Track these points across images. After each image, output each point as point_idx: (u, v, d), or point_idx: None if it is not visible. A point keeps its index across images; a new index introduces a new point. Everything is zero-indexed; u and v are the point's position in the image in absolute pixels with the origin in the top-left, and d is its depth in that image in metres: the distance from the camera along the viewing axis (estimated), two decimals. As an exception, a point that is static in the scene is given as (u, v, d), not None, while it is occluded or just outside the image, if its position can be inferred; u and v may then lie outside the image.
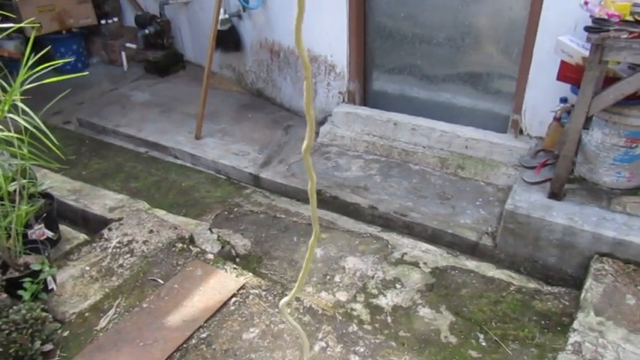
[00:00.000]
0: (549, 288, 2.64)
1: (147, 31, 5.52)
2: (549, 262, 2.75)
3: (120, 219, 2.89)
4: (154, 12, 5.66)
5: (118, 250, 2.63)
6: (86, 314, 2.22)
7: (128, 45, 5.86)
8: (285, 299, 1.55)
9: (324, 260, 2.91)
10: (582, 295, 2.35)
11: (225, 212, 3.43)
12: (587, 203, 2.74)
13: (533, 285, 2.67)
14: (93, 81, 5.66)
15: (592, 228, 2.56)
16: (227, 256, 2.80)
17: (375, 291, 2.64)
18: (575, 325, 2.17)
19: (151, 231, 2.77)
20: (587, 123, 2.76)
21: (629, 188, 2.81)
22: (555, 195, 2.78)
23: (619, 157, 2.72)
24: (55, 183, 3.24)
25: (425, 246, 3.01)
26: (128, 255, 2.59)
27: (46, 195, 2.73)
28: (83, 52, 6.06)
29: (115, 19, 6.13)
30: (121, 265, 2.52)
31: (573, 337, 2.10)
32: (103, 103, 5.15)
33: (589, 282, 2.41)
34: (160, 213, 3.01)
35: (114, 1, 6.14)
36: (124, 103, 5.14)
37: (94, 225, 2.98)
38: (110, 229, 2.79)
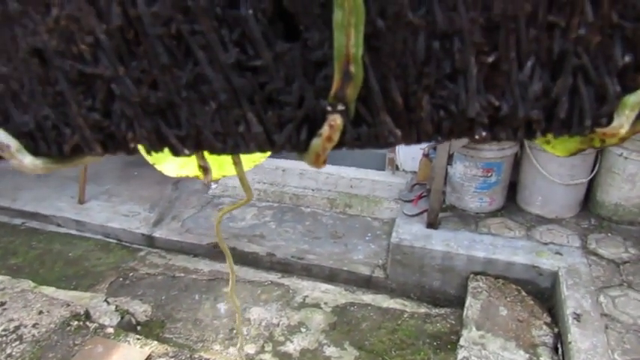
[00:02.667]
0: (437, 310, 2.92)
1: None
2: (435, 286, 3.04)
3: (2, 303, 2.69)
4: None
5: (4, 338, 2.45)
6: (-26, 417, 2.04)
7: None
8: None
9: (228, 315, 2.94)
10: (464, 312, 2.64)
11: (121, 279, 3.32)
12: (459, 229, 3.10)
13: (423, 310, 2.93)
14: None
15: (465, 250, 2.90)
16: (128, 326, 2.72)
17: (281, 338, 2.73)
18: (462, 341, 2.44)
19: (40, 312, 2.61)
20: (450, 159, 3.15)
21: (492, 211, 3.23)
22: (432, 224, 3.11)
23: (479, 186, 3.12)
24: None
25: (324, 286, 3.17)
26: (17, 342, 2.42)
27: None
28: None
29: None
30: (10, 355, 2.35)
31: (461, 354, 2.36)
32: (-34, 174, 4.73)
33: (469, 300, 2.72)
34: (49, 290, 2.85)
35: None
36: (-7, 171, 4.76)
37: (-29, 314, 2.73)
38: (-8, 317, 2.59)
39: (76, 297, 2.82)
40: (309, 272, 3.30)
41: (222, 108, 0.45)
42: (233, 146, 0.46)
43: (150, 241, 3.70)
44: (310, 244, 3.45)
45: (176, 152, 0.46)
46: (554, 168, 3.06)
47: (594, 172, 3.17)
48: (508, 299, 2.70)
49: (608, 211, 3.22)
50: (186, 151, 0.46)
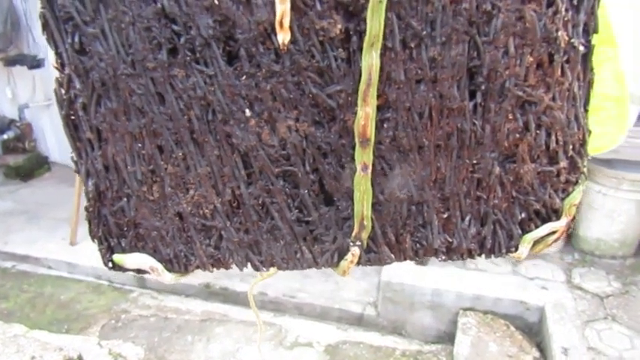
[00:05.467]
0: (428, 347, 2.96)
1: (6, 137, 5.27)
2: (425, 323, 3.09)
3: (-6, 349, 2.68)
4: (11, 116, 5.44)
5: (-4, 385, 2.44)
6: None
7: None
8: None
9: (221, 356, 2.95)
10: (455, 349, 2.69)
11: (113, 321, 3.32)
12: (447, 265, 3.17)
13: (415, 347, 2.97)
14: (-58, 193, 5.18)
15: (454, 287, 2.97)
16: (120, 369, 2.72)
17: (275, 378, 2.74)
18: (453, 378, 2.48)
19: (33, 357, 2.61)
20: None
21: (478, 247, 3.31)
22: (421, 262, 3.18)
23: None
24: None
25: (316, 324, 3.20)
26: (9, 389, 2.41)
27: None
28: None
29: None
30: (2, 402, 2.34)
31: (453, 390, 2.40)
32: (-44, 217, 4.72)
33: (458, 336, 2.77)
34: (41, 334, 2.85)
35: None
36: (-17, 214, 4.76)
37: (-38, 361, 2.71)
38: (-16, 363, 2.58)
39: (69, 341, 2.82)
40: (301, 310, 3.33)
41: (288, 244, 0.74)
42: (292, 266, 0.76)
43: (141, 281, 3.71)
44: (301, 282, 3.49)
45: (256, 269, 0.78)
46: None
47: (575, 207, 3.28)
48: (497, 334, 2.75)
49: (590, 245, 3.32)
50: (263, 269, 0.77)
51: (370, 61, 0.61)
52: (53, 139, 5.62)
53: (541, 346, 2.75)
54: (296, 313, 3.33)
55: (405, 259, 0.76)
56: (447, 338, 3.01)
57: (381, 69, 0.63)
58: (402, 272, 3.11)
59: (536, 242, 0.75)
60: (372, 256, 0.75)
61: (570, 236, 3.44)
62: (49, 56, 4.94)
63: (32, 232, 4.37)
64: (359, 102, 0.64)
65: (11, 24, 4.86)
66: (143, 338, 3.13)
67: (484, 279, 3.01)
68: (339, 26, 0.61)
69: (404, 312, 3.11)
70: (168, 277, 0.79)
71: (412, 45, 0.62)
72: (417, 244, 0.75)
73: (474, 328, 2.81)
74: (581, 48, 0.65)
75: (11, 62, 5.04)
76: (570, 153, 0.71)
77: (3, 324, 2.94)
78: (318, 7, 0.60)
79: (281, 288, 3.43)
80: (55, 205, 4.82)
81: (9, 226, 4.51)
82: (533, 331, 2.87)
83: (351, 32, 0.62)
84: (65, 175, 5.17)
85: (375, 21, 0.59)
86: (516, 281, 3.03)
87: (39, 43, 4.96)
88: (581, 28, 0.64)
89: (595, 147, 0.76)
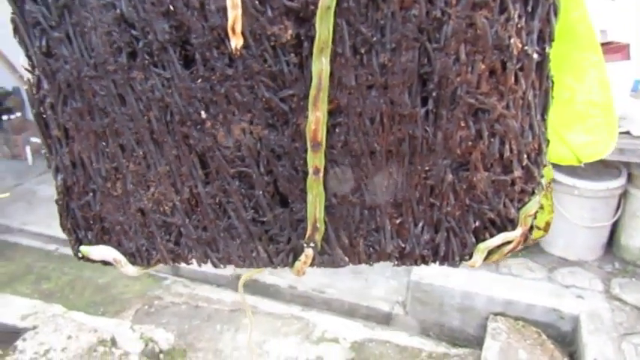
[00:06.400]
0: (455, 350, 2.91)
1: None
2: (454, 325, 3.04)
3: (35, 327, 2.81)
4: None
5: (35, 361, 2.56)
6: None
7: (33, 140, 5.75)
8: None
9: (247, 346, 2.99)
10: (483, 354, 2.64)
11: (146, 306, 3.42)
12: (479, 268, 3.10)
13: (442, 349, 2.93)
14: (-6, 177, 5.46)
15: (485, 290, 2.90)
16: (151, 354, 2.80)
17: (299, 372, 2.76)
18: (479, 383, 2.44)
19: (69, 337, 2.72)
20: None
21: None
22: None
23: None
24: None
25: (343, 321, 3.20)
26: (46, 366, 2.52)
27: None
28: (-18, 147, 5.85)
29: (18, 114, 6.02)
30: (39, 378, 2.45)
31: (478, 396, 2.35)
32: (6, 201, 4.96)
33: (487, 341, 2.71)
34: (78, 316, 2.96)
35: (16, 97, 6.06)
36: (30, 199, 4.99)
37: (5, 337, 2.85)
38: (24, 340, 2.70)
39: (104, 323, 2.92)
40: (329, 306, 3.33)
41: (244, 243, 0.76)
42: (249, 264, 0.78)
43: (175, 269, 3.80)
44: (331, 278, 3.49)
45: (215, 266, 0.80)
46: (575, 210, 3.06)
47: (617, 215, 3.16)
48: (528, 342, 2.68)
49: (632, 255, 3.18)
50: (221, 266, 0.80)
51: (320, 66, 0.62)
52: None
53: (574, 357, 2.67)
54: (324, 308, 3.34)
55: (359, 263, 0.77)
56: (476, 342, 2.96)
57: (332, 74, 0.64)
58: (432, 273, 3.07)
59: (491, 251, 0.74)
60: (325, 258, 0.77)
61: (610, 244, 3.31)
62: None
63: (75, 217, 4.54)
64: (310, 106, 0.65)
65: None
66: (174, 325, 3.21)
67: (517, 284, 2.94)
68: (290, 32, 0.62)
69: (432, 313, 3.07)
70: (131, 270, 0.82)
71: (362, 51, 0.62)
72: (371, 248, 0.75)
73: (503, 333, 2.75)
74: (536, 56, 0.63)
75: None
76: (525, 162, 0.69)
77: (44, 303, 3.07)
78: (269, 13, 0.61)
79: (310, 283, 3.44)
80: (97, 192, 5.00)
81: (53, 211, 4.64)
82: (567, 340, 2.78)
83: (302, 38, 0.63)
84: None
85: (323, 27, 0.60)
86: (551, 288, 2.94)
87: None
88: (535, 36, 0.62)
89: (587, 155, 0.75)
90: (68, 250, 0.88)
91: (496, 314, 2.88)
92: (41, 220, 4.53)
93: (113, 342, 2.74)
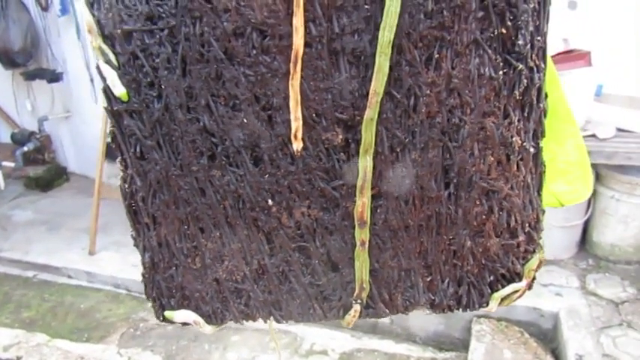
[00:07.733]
0: (442, 354, 2.98)
1: (26, 149, 5.39)
2: (439, 330, 3.11)
3: (19, 358, 2.76)
4: (31, 128, 5.57)
5: (21, 393, 2.51)
6: None
7: (5, 164, 5.64)
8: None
9: (238, 363, 2.99)
10: (469, 356, 2.70)
11: (131, 330, 3.39)
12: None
13: (429, 354, 2.99)
14: (-35, 204, 5.32)
15: (467, 294, 2.98)
16: (140, 377, 2.78)
17: (290, 386, 2.78)
18: (467, 386, 2.50)
19: (55, 366, 2.68)
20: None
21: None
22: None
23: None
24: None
25: (330, 332, 3.23)
26: (33, 397, 2.48)
27: None
28: (-49, 174, 5.69)
29: (-12, 139, 5.90)
30: (27, 410, 2.41)
31: (467, 398, 2.41)
32: (-21, 228, 4.84)
33: (473, 343, 2.78)
34: (63, 343, 2.92)
35: (-15, 121, 5.94)
36: (5, 224, 4.88)
37: (-12, 369, 2.80)
38: (9, 372, 2.66)
39: (89, 349, 2.89)
40: (316, 318, 3.36)
41: (302, 302, 0.91)
42: (306, 320, 0.92)
43: (159, 290, 3.77)
44: (316, 291, 3.52)
45: (278, 322, 0.96)
46: (549, 211, 3.16)
47: (588, 213, 3.28)
48: (512, 341, 2.76)
49: (604, 251, 3.31)
50: (284, 322, 0.96)
51: (365, 163, 0.79)
52: (72, 150, 5.74)
53: (556, 353, 2.76)
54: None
55: (397, 313, 0.94)
56: (461, 345, 3.02)
57: (374, 168, 0.81)
58: (415, 280, 3.14)
59: (503, 298, 0.92)
60: (370, 311, 0.94)
61: (584, 242, 3.43)
62: (68, 69, 5.07)
63: (53, 243, 4.46)
64: (357, 193, 0.82)
65: (31, 39, 4.99)
66: (161, 347, 3.19)
67: (497, 286, 3.02)
68: (341, 137, 0.79)
69: (417, 319, 3.12)
70: (208, 329, 0.97)
71: (398, 150, 0.80)
72: (407, 302, 0.91)
73: (488, 335, 2.82)
74: (532, 149, 0.83)
75: (31, 76, 5.17)
76: (527, 229, 0.90)
77: (26, 333, 3.02)
78: (324, 122, 0.78)
79: (296, 296, 3.47)
80: (74, 216, 4.92)
81: (30, 236, 4.62)
82: (548, 337, 2.87)
83: (349, 141, 0.80)
84: (83, 186, 5.29)
85: (368, 133, 0.77)
86: (530, 288, 3.02)
87: (57, 58, 5.09)
88: (531, 134, 0.82)
89: (567, 200, 0.98)
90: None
91: (479, 317, 2.96)
92: (17, 246, 4.44)
93: (101, 368, 2.71)
